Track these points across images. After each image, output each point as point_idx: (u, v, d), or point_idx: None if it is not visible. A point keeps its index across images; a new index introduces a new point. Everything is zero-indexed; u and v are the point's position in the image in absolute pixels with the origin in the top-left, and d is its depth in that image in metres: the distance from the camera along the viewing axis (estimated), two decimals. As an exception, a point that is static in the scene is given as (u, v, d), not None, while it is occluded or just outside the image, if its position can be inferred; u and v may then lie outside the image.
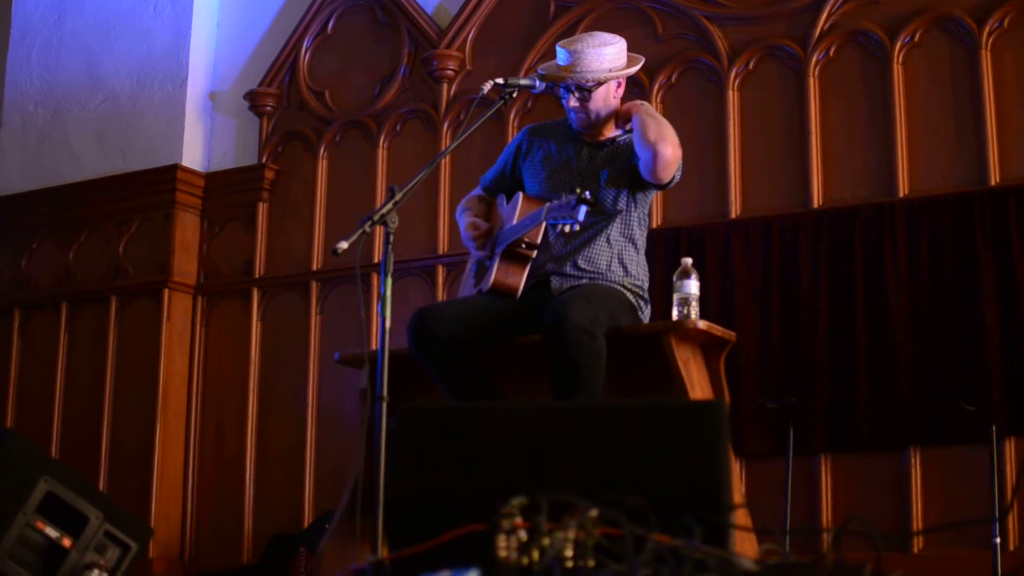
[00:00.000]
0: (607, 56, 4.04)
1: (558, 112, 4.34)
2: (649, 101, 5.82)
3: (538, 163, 4.17)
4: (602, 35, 4.11)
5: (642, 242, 4.12)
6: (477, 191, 4.41)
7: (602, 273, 4.00)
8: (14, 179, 7.28)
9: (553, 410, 2.33)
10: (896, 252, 5.19)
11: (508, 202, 4.21)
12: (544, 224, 3.87)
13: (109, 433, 6.62)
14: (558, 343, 3.67)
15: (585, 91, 4.01)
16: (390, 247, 3.35)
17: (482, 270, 4.14)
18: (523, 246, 3.97)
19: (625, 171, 4.02)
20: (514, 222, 4.03)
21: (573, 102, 4.04)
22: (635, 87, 5.81)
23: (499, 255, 4.01)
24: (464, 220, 4.25)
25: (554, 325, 3.69)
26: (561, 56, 4.05)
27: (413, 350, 3.90)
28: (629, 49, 4.12)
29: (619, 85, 4.09)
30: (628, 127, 4.09)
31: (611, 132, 4.13)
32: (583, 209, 3.59)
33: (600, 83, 4.02)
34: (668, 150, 3.88)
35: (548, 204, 3.76)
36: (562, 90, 4.06)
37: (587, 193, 3.59)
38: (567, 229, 3.67)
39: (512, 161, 4.27)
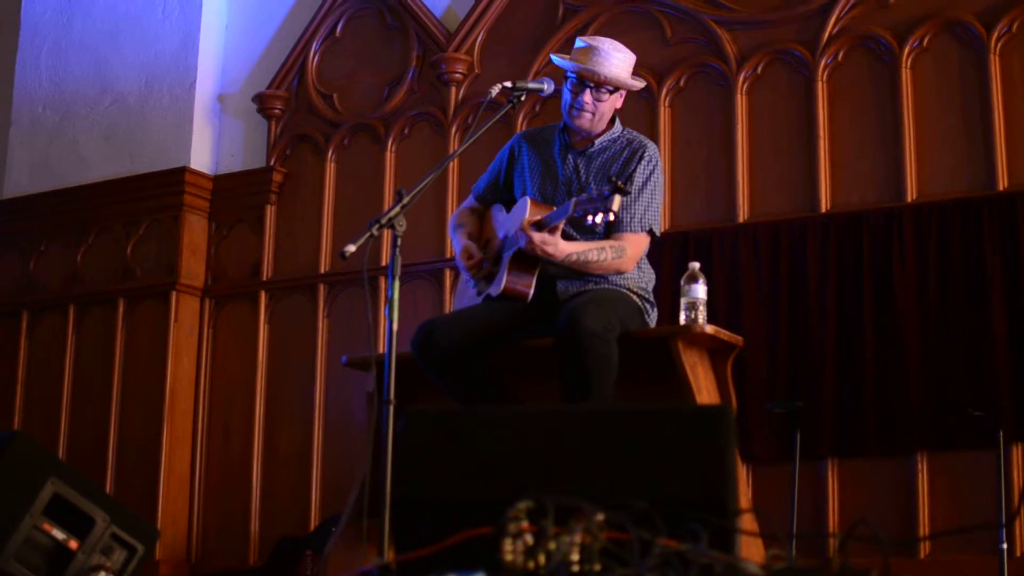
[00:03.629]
0: (625, 65, 4.00)
1: (565, 116, 4.33)
2: (657, 105, 5.83)
3: (526, 171, 4.14)
4: (617, 42, 4.06)
5: None
6: (470, 201, 4.37)
7: (607, 276, 3.98)
8: (23, 181, 7.29)
9: (559, 414, 2.33)
10: (904, 257, 5.18)
11: (508, 211, 4.17)
12: (562, 222, 3.81)
13: (116, 435, 6.63)
14: (572, 349, 3.65)
15: (604, 91, 3.97)
16: (398, 250, 3.35)
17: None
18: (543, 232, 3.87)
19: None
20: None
21: (588, 97, 3.96)
22: (643, 91, 5.80)
23: (508, 260, 3.96)
24: (459, 242, 4.21)
25: (568, 331, 3.67)
26: (581, 45, 4.00)
27: (419, 361, 3.89)
28: (639, 51, 4.10)
29: (622, 96, 4.07)
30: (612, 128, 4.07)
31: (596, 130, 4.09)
32: (617, 199, 3.54)
33: (618, 89, 4.00)
34: (625, 266, 3.94)
35: (576, 198, 3.71)
36: (574, 82, 3.98)
37: (622, 182, 3.56)
38: (598, 220, 3.61)
39: (506, 167, 4.23)
